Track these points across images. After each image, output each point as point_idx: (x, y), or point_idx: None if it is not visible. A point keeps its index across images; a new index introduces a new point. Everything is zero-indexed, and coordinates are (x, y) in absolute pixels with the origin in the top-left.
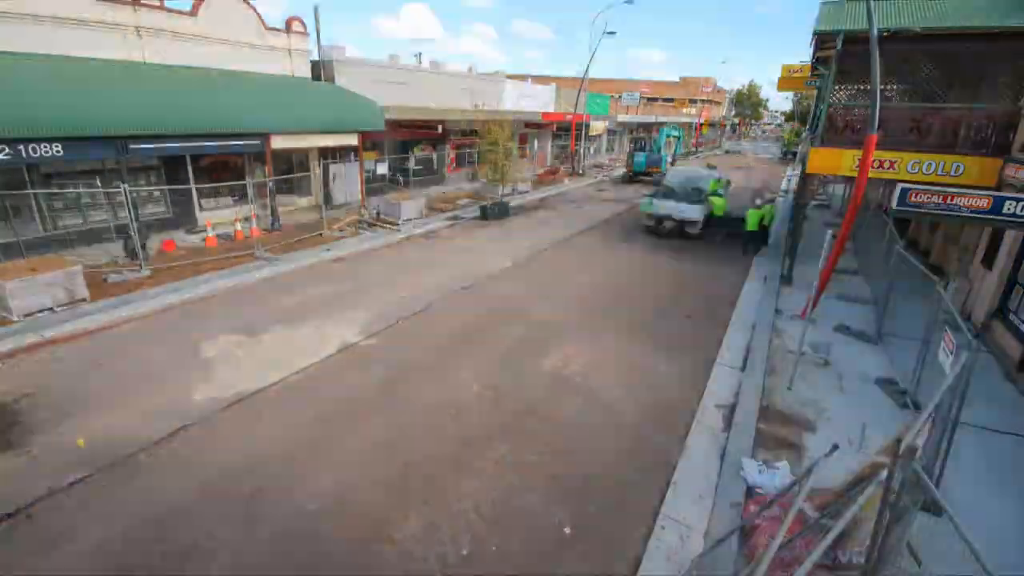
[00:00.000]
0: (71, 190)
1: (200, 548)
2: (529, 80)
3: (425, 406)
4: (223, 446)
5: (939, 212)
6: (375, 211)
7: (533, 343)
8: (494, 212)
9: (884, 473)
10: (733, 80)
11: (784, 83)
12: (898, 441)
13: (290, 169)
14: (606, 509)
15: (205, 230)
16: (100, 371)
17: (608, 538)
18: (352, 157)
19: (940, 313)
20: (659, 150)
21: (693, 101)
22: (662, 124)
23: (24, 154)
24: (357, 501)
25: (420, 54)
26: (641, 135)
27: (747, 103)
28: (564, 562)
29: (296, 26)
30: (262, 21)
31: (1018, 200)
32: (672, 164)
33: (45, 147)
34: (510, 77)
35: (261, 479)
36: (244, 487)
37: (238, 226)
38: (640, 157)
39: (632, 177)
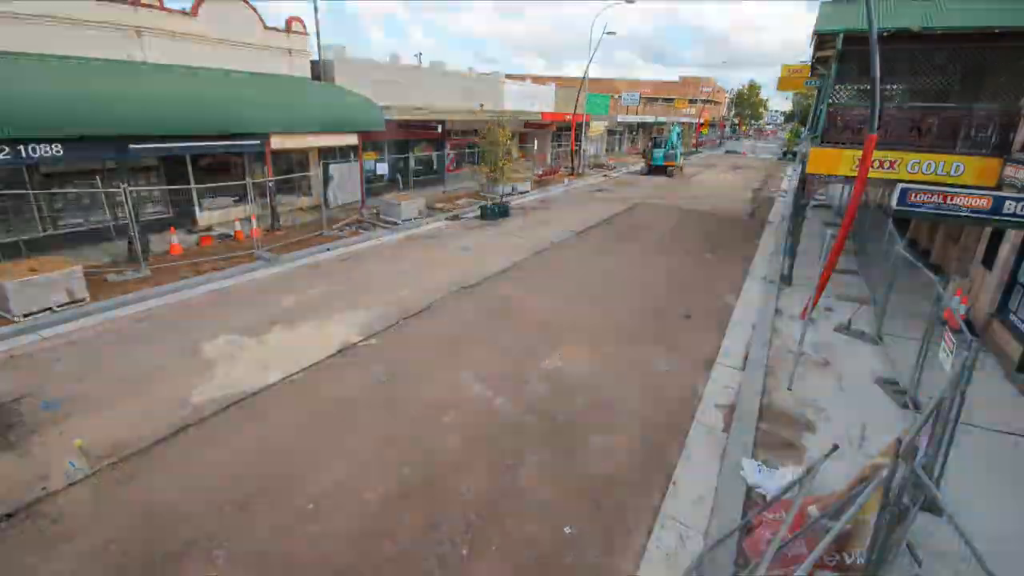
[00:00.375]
0: (71, 190)
1: (199, 548)
2: (528, 80)
3: (426, 406)
4: (223, 446)
5: (939, 212)
6: (375, 211)
7: (533, 343)
8: (494, 212)
9: (885, 473)
10: (733, 80)
11: (784, 83)
12: (898, 441)
13: (290, 169)
14: (606, 509)
15: (205, 230)
16: (100, 371)
17: (608, 538)
18: (352, 157)
19: (940, 312)
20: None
21: (693, 101)
22: (662, 124)
23: (24, 154)
24: (356, 501)
25: (420, 54)
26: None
27: (747, 103)
28: (564, 562)
29: (296, 26)
30: (262, 21)
31: (1018, 200)
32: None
33: (45, 147)
34: (509, 77)
35: (260, 479)
36: (243, 487)
37: (238, 226)
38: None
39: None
